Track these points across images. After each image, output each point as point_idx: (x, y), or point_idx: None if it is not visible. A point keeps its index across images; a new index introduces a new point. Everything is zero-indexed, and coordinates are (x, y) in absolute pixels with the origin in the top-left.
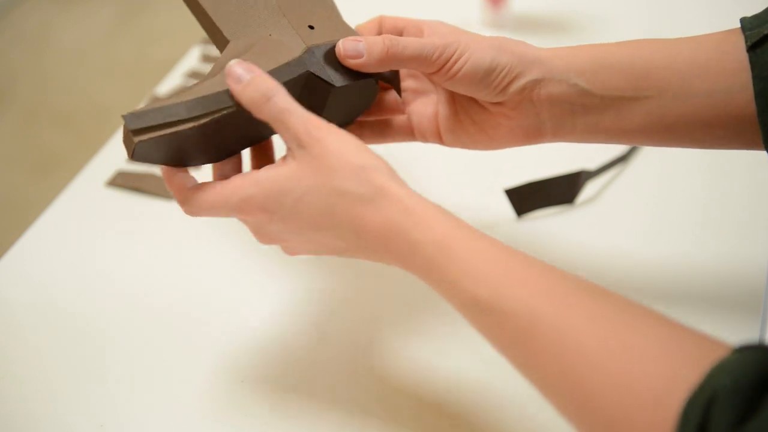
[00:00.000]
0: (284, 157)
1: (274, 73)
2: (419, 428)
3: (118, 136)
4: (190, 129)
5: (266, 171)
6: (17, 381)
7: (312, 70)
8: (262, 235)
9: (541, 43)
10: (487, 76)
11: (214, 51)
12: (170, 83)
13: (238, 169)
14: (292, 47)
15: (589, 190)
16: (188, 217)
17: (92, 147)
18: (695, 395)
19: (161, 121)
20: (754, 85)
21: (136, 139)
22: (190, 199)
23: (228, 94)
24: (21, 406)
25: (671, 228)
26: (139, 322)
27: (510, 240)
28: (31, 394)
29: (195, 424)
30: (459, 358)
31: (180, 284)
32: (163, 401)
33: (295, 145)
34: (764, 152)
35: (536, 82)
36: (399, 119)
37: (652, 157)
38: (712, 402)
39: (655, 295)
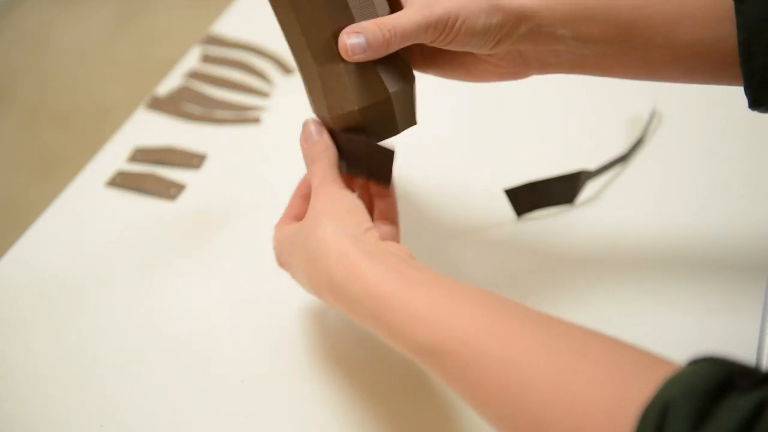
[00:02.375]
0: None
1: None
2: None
3: (119, 136)
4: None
5: (290, 226)
6: (17, 380)
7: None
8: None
9: None
10: (479, 37)
11: (213, 51)
12: (170, 83)
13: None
14: None
15: (589, 190)
16: (187, 217)
17: (92, 147)
18: (648, 408)
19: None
20: (738, 34)
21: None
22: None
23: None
24: (21, 405)
25: (671, 228)
26: (139, 323)
27: (510, 240)
28: (30, 393)
29: (194, 424)
30: None
31: (180, 284)
32: (163, 401)
33: (318, 181)
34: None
35: (524, 35)
36: None
37: (653, 157)
38: (665, 412)
39: (654, 296)
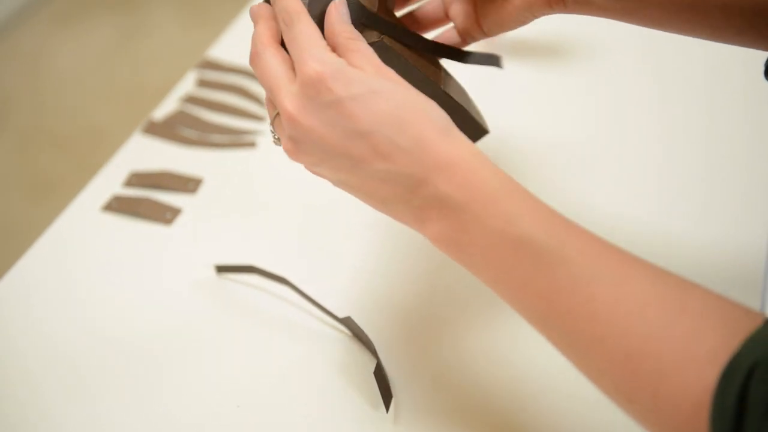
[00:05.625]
0: None
1: None
2: None
3: (114, 160)
4: None
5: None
6: (11, 405)
7: None
8: (300, 124)
9: (535, 67)
10: None
11: (209, 75)
12: (167, 107)
13: None
14: None
15: (584, 189)
16: (182, 241)
17: (88, 170)
18: (736, 360)
19: None
20: None
21: None
22: (295, 17)
23: None
24: (14, 430)
25: (670, 229)
26: (135, 347)
27: None
28: (24, 418)
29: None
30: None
31: (176, 308)
32: (157, 427)
33: (372, 68)
34: (764, 148)
35: None
36: (447, 33)
37: (648, 153)
38: (754, 370)
39: None
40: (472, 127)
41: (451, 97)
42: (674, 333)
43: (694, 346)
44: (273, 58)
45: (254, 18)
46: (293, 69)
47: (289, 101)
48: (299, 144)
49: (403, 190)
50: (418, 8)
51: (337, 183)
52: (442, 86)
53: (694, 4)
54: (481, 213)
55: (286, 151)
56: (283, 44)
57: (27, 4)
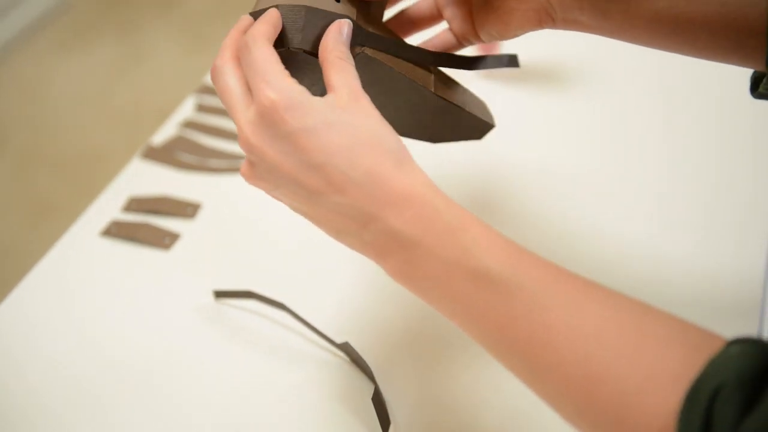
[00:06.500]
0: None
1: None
2: None
3: (113, 185)
4: None
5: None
6: (10, 428)
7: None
8: (255, 149)
9: (532, 90)
10: None
11: (208, 101)
12: (166, 132)
13: None
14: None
15: (586, 199)
16: (181, 266)
17: (87, 194)
18: (697, 388)
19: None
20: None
21: None
22: (252, 41)
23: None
24: None
25: (667, 252)
26: (134, 372)
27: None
28: None
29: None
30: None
31: (175, 333)
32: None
33: (347, 91)
34: (763, 159)
35: None
36: (443, 36)
37: (647, 164)
38: (718, 392)
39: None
40: (473, 125)
41: (443, 99)
42: (634, 357)
43: (655, 369)
44: (231, 77)
45: (233, 28)
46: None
47: (245, 125)
48: (256, 168)
49: (356, 225)
50: (410, 7)
51: (296, 210)
52: (432, 89)
53: (679, 26)
54: (435, 246)
55: (243, 174)
56: None
57: (27, 28)
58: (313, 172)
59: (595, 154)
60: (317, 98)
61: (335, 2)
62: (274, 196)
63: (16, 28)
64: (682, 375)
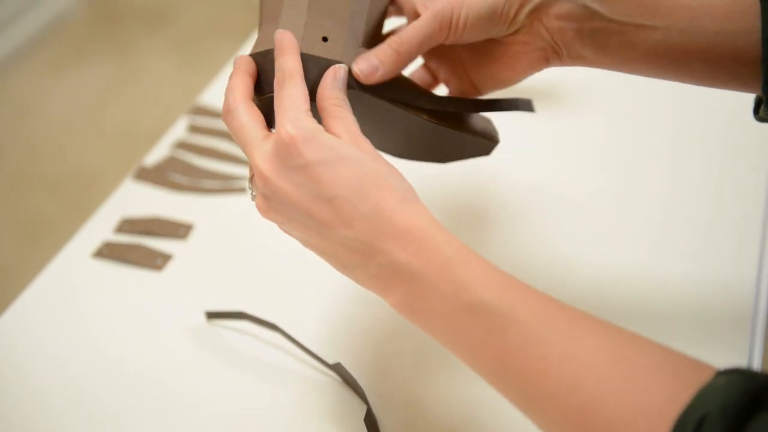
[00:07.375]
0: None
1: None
2: None
3: (106, 206)
4: None
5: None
6: None
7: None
8: (270, 183)
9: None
10: (491, 17)
11: (201, 122)
12: (158, 153)
13: None
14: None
15: (581, 216)
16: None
17: (79, 214)
18: (685, 418)
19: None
20: (762, 30)
21: None
22: (289, 77)
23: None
24: None
25: (660, 273)
26: (125, 394)
27: (500, 259)
28: None
29: None
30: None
31: (167, 355)
32: None
33: (348, 138)
34: (755, 176)
35: (544, 3)
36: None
37: (641, 179)
38: (702, 422)
39: (641, 318)
40: (476, 145)
41: (440, 125)
42: (625, 388)
43: (645, 400)
44: (246, 116)
45: (234, 68)
46: (265, 127)
47: (261, 159)
48: (270, 201)
49: (361, 257)
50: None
51: (306, 244)
52: (425, 117)
53: (676, 57)
54: (435, 280)
55: (258, 208)
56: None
57: (20, 48)
58: (324, 204)
59: (589, 174)
60: (330, 135)
61: (323, 42)
62: (285, 230)
63: (10, 48)
64: (670, 406)
